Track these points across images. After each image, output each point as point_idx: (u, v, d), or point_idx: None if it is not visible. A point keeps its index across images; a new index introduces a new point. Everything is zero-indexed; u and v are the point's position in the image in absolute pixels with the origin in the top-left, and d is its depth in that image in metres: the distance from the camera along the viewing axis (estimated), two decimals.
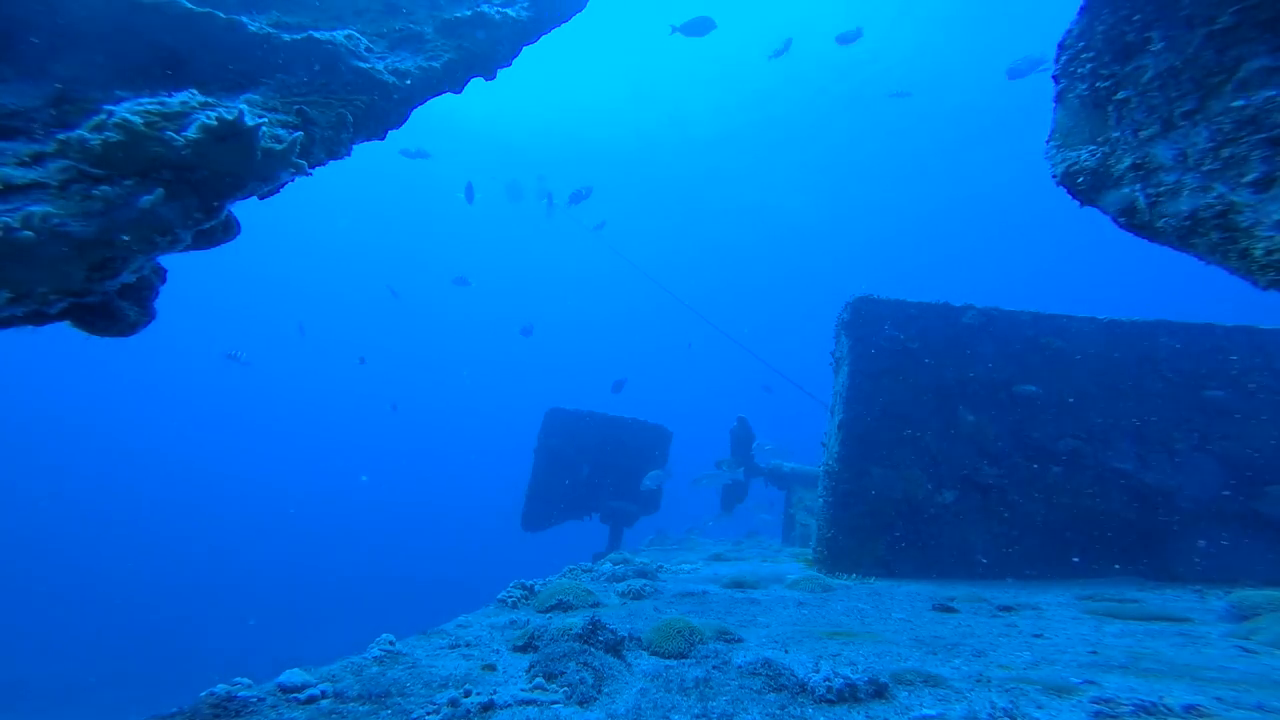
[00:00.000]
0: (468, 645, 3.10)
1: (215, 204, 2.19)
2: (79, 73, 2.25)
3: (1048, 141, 2.74)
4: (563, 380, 50.35)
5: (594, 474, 11.39)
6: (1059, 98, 2.70)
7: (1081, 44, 2.56)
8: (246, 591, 28.50)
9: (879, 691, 2.35)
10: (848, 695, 2.29)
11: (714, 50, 33.17)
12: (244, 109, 2.11)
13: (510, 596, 4.12)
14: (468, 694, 2.26)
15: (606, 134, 38.25)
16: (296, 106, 2.50)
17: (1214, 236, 2.04)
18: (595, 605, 4.00)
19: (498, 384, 59.20)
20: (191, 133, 2.02)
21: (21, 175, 1.88)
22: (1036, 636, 3.45)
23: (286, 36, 2.58)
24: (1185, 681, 2.60)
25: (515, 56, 3.27)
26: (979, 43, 30.42)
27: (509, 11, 3.12)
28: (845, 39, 15.27)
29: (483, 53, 3.07)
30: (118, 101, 2.09)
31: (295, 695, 2.31)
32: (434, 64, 2.94)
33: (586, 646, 2.69)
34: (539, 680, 2.43)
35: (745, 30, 32.13)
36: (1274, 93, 1.89)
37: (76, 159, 1.93)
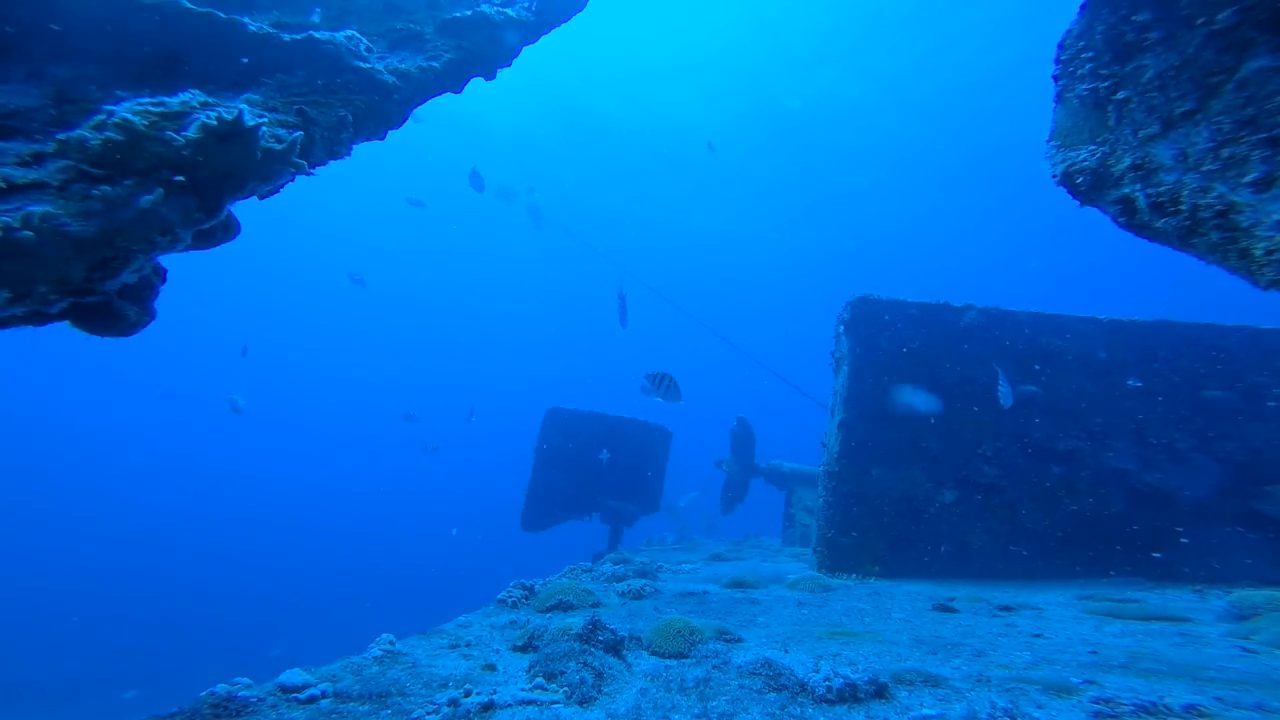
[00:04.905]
0: (468, 645, 3.10)
1: (215, 204, 2.19)
2: (79, 73, 2.24)
3: (1048, 141, 2.74)
4: (562, 379, 50.38)
5: (594, 473, 11.38)
6: (1059, 98, 2.70)
7: (1081, 44, 2.55)
8: (247, 591, 28.51)
9: (879, 691, 2.35)
10: (848, 695, 2.29)
11: (706, 42, 33.09)
12: (244, 109, 2.11)
13: (510, 596, 4.12)
14: (468, 694, 2.26)
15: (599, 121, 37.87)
16: (297, 106, 2.50)
17: (1214, 236, 2.05)
18: (595, 605, 4.00)
19: (497, 383, 59.21)
20: (192, 132, 2.02)
21: (22, 175, 1.88)
22: (1036, 636, 3.45)
23: (287, 36, 2.58)
24: (1185, 681, 2.60)
25: (516, 56, 3.27)
26: (977, 39, 30.41)
27: (509, 11, 3.12)
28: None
29: (483, 53, 3.07)
30: (118, 101, 2.09)
31: (295, 695, 2.31)
32: (434, 64, 2.94)
33: (586, 646, 2.69)
34: (539, 680, 2.43)
35: (739, 23, 32.01)
36: (1274, 92, 1.89)
37: (77, 159, 1.92)
